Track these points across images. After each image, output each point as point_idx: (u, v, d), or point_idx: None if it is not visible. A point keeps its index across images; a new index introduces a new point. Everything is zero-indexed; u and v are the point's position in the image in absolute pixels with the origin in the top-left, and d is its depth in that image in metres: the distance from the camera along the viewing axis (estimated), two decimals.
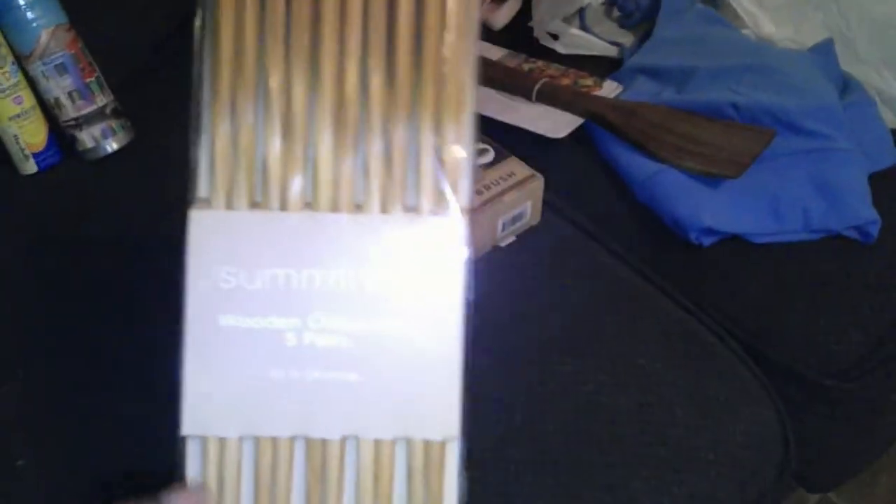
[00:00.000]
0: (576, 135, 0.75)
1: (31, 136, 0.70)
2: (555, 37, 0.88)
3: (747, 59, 0.79)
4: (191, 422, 0.32)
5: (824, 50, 0.82)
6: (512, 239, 0.66)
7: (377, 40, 0.32)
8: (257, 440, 0.32)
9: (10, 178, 0.71)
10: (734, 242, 0.66)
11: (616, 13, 0.94)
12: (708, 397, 0.55)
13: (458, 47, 0.32)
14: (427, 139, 0.32)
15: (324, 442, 0.32)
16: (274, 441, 0.32)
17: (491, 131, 0.70)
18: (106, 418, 0.51)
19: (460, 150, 0.32)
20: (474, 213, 0.61)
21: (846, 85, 0.80)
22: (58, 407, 0.53)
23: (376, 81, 0.32)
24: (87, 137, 0.71)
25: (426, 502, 0.33)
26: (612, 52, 0.88)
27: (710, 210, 0.66)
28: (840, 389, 0.61)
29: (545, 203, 0.67)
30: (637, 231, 0.70)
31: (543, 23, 0.88)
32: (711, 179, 0.68)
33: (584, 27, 0.90)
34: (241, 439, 0.32)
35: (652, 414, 0.53)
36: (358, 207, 0.32)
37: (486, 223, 0.63)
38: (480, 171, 0.65)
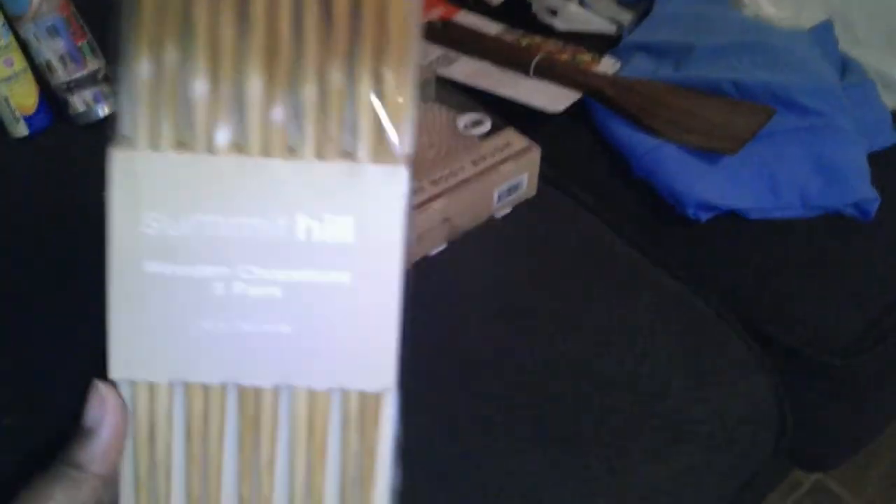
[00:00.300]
0: (573, 109, 0.75)
1: (22, 98, 0.69)
2: (553, 13, 0.88)
3: (746, 38, 0.79)
4: (118, 366, 0.31)
5: (824, 31, 0.82)
6: (508, 210, 0.65)
7: None
8: (187, 386, 0.31)
9: (1, 140, 0.70)
10: (732, 218, 0.65)
11: None
12: (704, 370, 0.55)
13: None
14: (366, 81, 0.30)
15: (256, 390, 0.32)
16: (205, 388, 0.31)
17: (488, 105, 0.69)
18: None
19: (402, 94, 0.30)
20: (470, 182, 0.61)
21: (845, 66, 0.80)
22: (45, 366, 0.52)
23: (311, 18, 0.29)
24: (78, 101, 0.70)
25: (360, 452, 0.32)
26: (610, 29, 0.87)
27: (707, 185, 0.66)
28: (837, 366, 0.61)
29: (542, 176, 0.66)
30: (634, 206, 0.69)
31: None
32: (709, 155, 0.68)
33: (582, 3, 0.89)
34: (171, 385, 0.31)
35: (647, 385, 0.53)
36: (291, 152, 0.30)
37: (481, 193, 0.62)
38: (477, 141, 0.65)
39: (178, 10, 0.29)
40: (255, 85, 0.30)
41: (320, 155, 0.30)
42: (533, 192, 0.66)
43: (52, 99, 0.71)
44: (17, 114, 0.69)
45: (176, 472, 0.32)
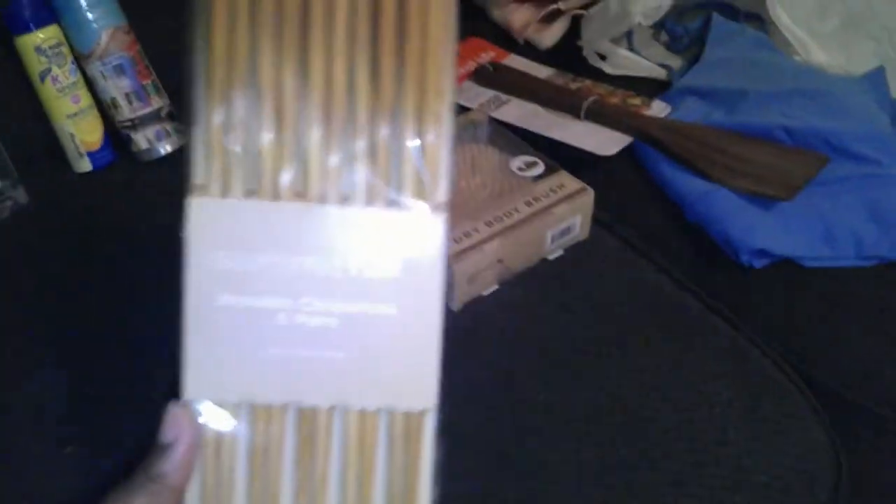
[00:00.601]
0: (623, 152, 0.75)
1: (87, 134, 0.71)
2: (603, 57, 0.89)
3: (798, 84, 0.79)
4: (191, 388, 0.34)
5: (876, 78, 0.82)
6: (560, 252, 0.65)
7: (363, 36, 0.34)
8: (253, 407, 0.35)
9: (65, 175, 0.72)
10: (785, 265, 0.65)
11: (664, 36, 0.94)
12: (760, 419, 0.54)
13: (439, 45, 0.34)
14: (408, 138, 0.33)
15: (314, 410, 0.35)
16: (268, 409, 0.35)
17: (539, 147, 0.70)
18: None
19: (440, 148, 0.34)
20: (523, 224, 0.61)
21: None
22: (104, 393, 0.53)
23: (362, 77, 0.33)
24: (141, 139, 0.72)
25: (405, 467, 0.36)
26: (659, 73, 0.88)
27: (761, 232, 0.65)
28: (893, 419, 0.60)
29: (593, 218, 0.66)
30: (686, 250, 0.69)
31: (592, 43, 0.88)
32: (763, 201, 0.68)
33: (632, 49, 0.90)
34: (237, 406, 0.35)
35: (703, 433, 0.52)
36: (345, 198, 0.34)
37: (534, 235, 0.63)
38: (530, 182, 0.65)
39: (244, 71, 0.33)
40: (314, 138, 0.33)
41: (370, 201, 0.34)
42: (585, 235, 0.67)
43: (115, 136, 0.73)
44: (82, 149, 0.71)
45: (239, 486, 0.36)
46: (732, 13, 0.92)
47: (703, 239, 0.68)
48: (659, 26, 0.93)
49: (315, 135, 0.33)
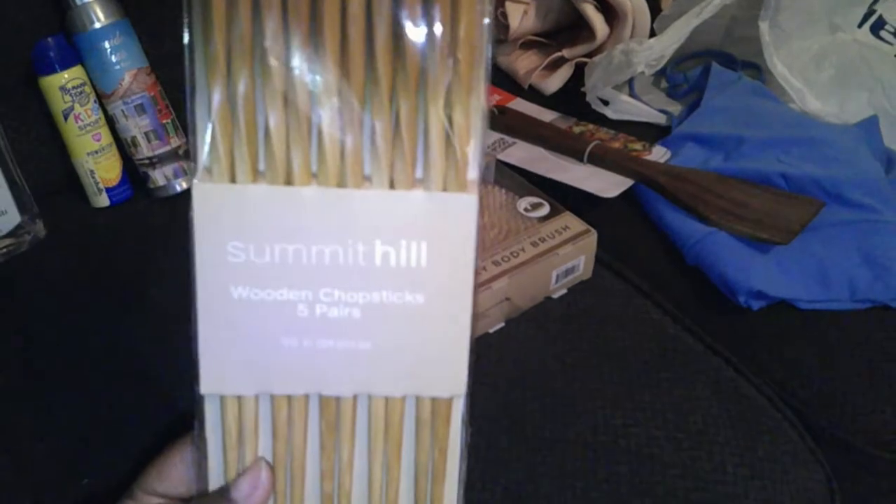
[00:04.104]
0: (625, 195, 0.77)
1: (106, 171, 0.73)
2: (605, 102, 0.91)
3: (795, 131, 0.81)
4: (208, 381, 0.33)
5: (869, 126, 0.85)
6: (564, 291, 0.67)
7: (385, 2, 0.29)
8: (273, 397, 0.33)
9: (83, 210, 0.74)
10: (782, 307, 0.67)
11: (665, 84, 0.97)
12: (759, 457, 0.55)
13: (473, 13, 0.30)
14: (435, 113, 0.30)
15: (337, 398, 0.34)
16: (289, 398, 0.33)
17: (544, 189, 0.72)
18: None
19: (470, 124, 0.31)
20: (529, 264, 0.63)
21: (890, 160, 0.82)
22: (120, 422, 0.54)
23: (382, 44, 0.29)
24: (159, 176, 0.74)
25: (433, 449, 0.34)
26: (660, 119, 0.91)
27: (759, 274, 0.67)
28: (885, 459, 0.61)
29: (597, 259, 0.69)
30: (685, 291, 0.71)
31: (595, 89, 0.91)
32: (760, 245, 0.70)
33: (633, 95, 0.93)
34: (257, 397, 0.33)
35: (704, 470, 0.54)
36: (366, 180, 0.31)
37: (540, 274, 0.65)
38: (536, 223, 0.68)
39: (249, 43, 0.29)
40: (329, 115, 0.30)
41: (395, 184, 0.31)
42: (588, 275, 0.69)
43: (133, 172, 0.75)
44: (101, 186, 0.73)
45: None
46: (731, 62, 0.95)
47: (703, 280, 0.70)
48: (660, 73, 0.96)
49: (330, 112, 0.30)
